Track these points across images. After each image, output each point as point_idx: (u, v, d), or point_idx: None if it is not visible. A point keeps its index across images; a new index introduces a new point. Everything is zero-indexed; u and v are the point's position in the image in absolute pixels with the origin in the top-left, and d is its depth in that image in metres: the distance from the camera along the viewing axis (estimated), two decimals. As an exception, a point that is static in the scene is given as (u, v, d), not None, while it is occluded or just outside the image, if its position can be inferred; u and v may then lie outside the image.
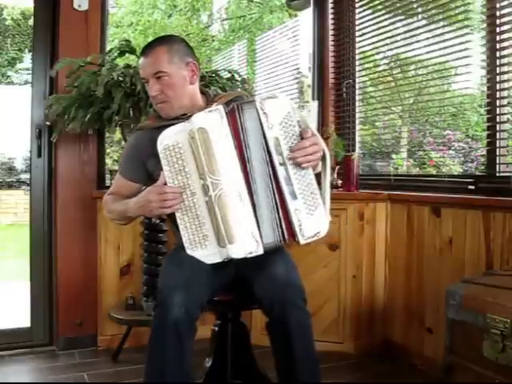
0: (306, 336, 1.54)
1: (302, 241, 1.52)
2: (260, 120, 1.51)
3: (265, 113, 1.51)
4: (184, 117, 1.69)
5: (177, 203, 1.52)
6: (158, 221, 2.36)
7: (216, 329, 1.87)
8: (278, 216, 1.51)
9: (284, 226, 1.52)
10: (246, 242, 1.49)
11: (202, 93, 1.82)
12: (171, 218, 1.77)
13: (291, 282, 1.55)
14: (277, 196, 1.51)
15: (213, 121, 1.50)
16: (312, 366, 1.55)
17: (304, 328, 1.54)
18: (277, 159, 1.51)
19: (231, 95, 1.80)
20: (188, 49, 1.77)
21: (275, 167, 1.51)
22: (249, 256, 1.50)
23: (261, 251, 1.50)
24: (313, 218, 1.52)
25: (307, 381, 1.52)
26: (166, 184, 1.53)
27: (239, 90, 2.48)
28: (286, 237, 1.52)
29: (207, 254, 1.53)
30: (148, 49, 1.71)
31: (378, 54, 3.05)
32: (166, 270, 1.67)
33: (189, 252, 1.54)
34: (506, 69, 2.22)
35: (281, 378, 1.58)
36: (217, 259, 1.53)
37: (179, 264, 1.59)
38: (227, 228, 1.48)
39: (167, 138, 1.53)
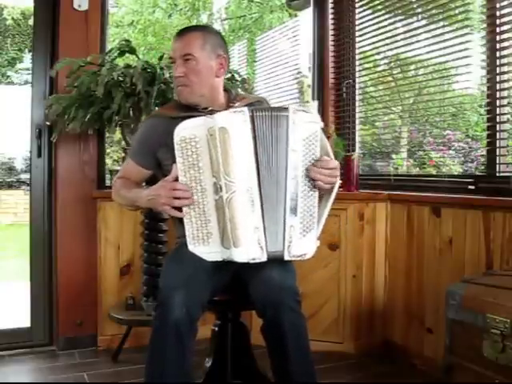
0: (300, 337, 1.54)
1: (287, 257, 1.52)
2: (288, 129, 1.49)
3: (294, 123, 1.50)
4: (204, 111, 1.70)
5: (186, 202, 1.51)
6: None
7: (216, 329, 1.87)
8: (283, 226, 1.51)
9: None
10: (251, 248, 1.48)
11: (225, 90, 1.83)
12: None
13: (285, 284, 1.54)
14: (281, 207, 1.50)
15: (236, 122, 1.47)
16: (307, 368, 1.54)
17: (298, 330, 1.54)
18: (290, 173, 1.50)
19: (252, 98, 1.82)
20: (222, 42, 1.78)
21: (287, 180, 1.50)
22: (251, 262, 1.49)
23: (264, 258, 1.49)
24: (304, 240, 1.53)
25: (302, 381, 1.52)
26: (177, 177, 1.52)
27: (239, 89, 2.47)
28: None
29: (209, 251, 1.53)
30: (183, 31, 1.74)
31: (378, 54, 3.05)
32: (167, 270, 1.67)
33: (190, 247, 1.53)
34: (506, 69, 2.22)
35: (277, 379, 1.58)
36: (217, 258, 1.53)
37: (180, 264, 1.59)
38: (234, 231, 1.46)
39: (185, 130, 1.50)
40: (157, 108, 2.33)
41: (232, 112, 1.50)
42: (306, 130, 1.51)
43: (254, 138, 1.48)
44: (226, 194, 1.46)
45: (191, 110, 1.72)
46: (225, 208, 1.47)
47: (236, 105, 1.75)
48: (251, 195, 1.48)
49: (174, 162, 1.53)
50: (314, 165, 1.51)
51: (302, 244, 1.53)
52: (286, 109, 1.52)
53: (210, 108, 1.73)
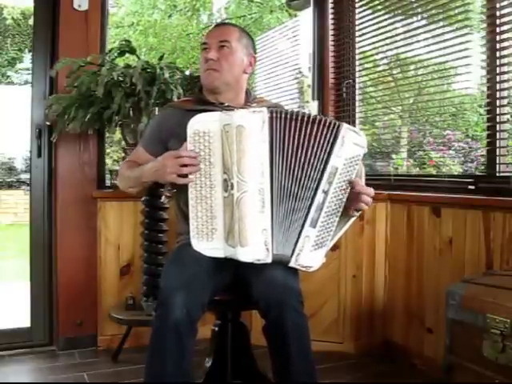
0: (302, 338, 1.53)
1: (292, 264, 1.52)
2: (334, 144, 1.49)
3: (343, 140, 1.49)
4: (222, 106, 1.72)
5: (194, 169, 1.51)
6: (166, 201, 2.30)
7: (216, 329, 1.87)
8: (298, 234, 1.51)
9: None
10: (257, 249, 1.47)
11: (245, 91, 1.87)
12: (178, 205, 1.78)
13: (288, 285, 1.54)
14: (299, 214, 1.50)
15: (254, 123, 1.45)
16: (308, 368, 1.54)
17: (301, 330, 1.53)
18: (322, 185, 1.50)
19: (270, 103, 1.85)
20: (254, 45, 1.88)
21: (317, 191, 1.50)
22: (256, 262, 1.48)
23: (269, 260, 1.49)
24: (314, 253, 1.53)
25: (303, 381, 1.52)
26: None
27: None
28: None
29: (211, 247, 1.53)
30: (222, 24, 1.85)
31: (377, 54, 3.05)
32: (168, 270, 1.66)
33: (193, 242, 1.53)
34: (506, 69, 2.22)
35: (277, 379, 1.57)
36: (220, 255, 1.53)
37: (181, 264, 1.59)
38: (242, 231, 1.46)
39: (199, 123, 1.50)
40: (157, 108, 2.33)
41: (251, 111, 1.49)
42: (351, 151, 1.51)
43: (271, 139, 1.47)
44: (238, 193, 1.45)
45: (208, 105, 1.74)
46: (234, 207, 1.46)
47: (253, 105, 1.77)
48: (262, 197, 1.47)
49: None
50: (357, 188, 1.53)
51: (311, 256, 1.53)
52: (340, 124, 1.52)
53: (226, 104, 1.76)
